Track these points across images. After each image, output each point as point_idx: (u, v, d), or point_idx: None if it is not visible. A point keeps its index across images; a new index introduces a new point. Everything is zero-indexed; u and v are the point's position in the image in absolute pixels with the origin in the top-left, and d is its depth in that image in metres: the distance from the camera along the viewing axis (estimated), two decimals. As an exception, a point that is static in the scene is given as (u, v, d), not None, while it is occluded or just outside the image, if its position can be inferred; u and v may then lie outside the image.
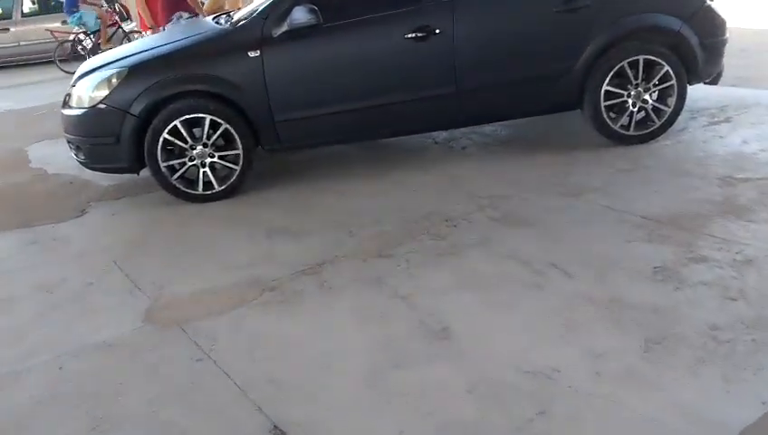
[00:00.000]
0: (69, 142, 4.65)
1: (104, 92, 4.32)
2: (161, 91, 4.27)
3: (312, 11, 4.17)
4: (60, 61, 11.58)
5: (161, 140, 4.33)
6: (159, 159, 4.37)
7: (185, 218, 4.31)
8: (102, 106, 4.32)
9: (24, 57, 12.82)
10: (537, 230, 3.62)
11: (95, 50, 11.32)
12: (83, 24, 12.11)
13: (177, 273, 3.56)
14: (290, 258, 3.58)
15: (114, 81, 4.33)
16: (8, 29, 12.61)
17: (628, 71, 4.53)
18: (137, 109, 4.27)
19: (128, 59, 4.50)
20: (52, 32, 12.27)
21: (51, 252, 4.00)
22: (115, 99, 4.31)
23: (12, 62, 12.79)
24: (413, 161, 4.92)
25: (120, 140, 4.34)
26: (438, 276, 3.23)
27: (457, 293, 3.07)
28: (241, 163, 4.48)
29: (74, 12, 11.84)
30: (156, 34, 5.97)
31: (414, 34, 4.32)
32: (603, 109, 4.59)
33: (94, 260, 3.81)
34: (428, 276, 3.24)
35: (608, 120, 4.63)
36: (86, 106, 4.39)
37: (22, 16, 12.74)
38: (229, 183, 4.51)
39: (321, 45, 4.36)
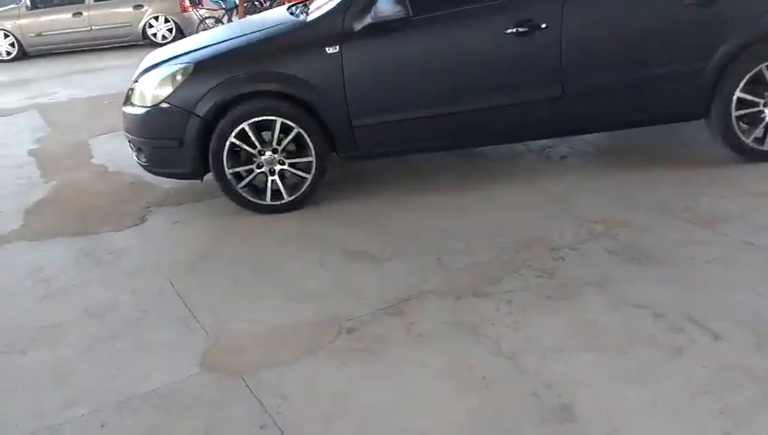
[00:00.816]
0: (130, 143, 4.27)
1: (168, 90, 3.90)
2: (229, 90, 3.82)
3: (399, 2, 3.64)
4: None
5: (228, 144, 3.89)
6: (225, 165, 3.94)
7: (250, 232, 3.87)
8: (165, 105, 3.90)
9: (96, 42, 12.73)
10: (667, 270, 3.01)
11: None
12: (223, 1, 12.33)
13: (240, 302, 3.12)
14: (369, 290, 3.09)
15: (179, 78, 3.90)
16: (81, 13, 12.53)
17: (767, 76, 3.85)
18: (202, 109, 3.83)
19: (194, 53, 4.07)
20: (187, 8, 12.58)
21: (106, 267, 3.62)
22: (179, 98, 3.88)
23: (84, 47, 12.73)
24: (504, 172, 4.35)
25: (183, 143, 3.92)
26: (549, 328, 2.67)
27: (575, 353, 2.51)
28: (313, 171, 4.00)
29: None
30: (226, 26, 5.49)
31: (516, 29, 3.74)
32: (734, 119, 3.91)
33: (150, 280, 3.40)
34: (537, 327, 2.68)
35: (739, 132, 3.95)
36: (148, 105, 3.98)
37: (94, 1, 12.63)
38: (299, 193, 4.04)
39: (408, 41, 3.82)
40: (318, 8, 4.09)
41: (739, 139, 3.95)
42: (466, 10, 3.82)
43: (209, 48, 4.08)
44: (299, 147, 4.00)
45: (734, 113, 3.89)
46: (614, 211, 3.62)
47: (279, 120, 3.87)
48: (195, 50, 4.13)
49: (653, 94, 3.91)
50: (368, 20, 3.74)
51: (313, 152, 3.96)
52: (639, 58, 3.83)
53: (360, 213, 4.00)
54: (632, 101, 3.93)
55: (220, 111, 3.85)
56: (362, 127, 3.91)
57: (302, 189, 4.04)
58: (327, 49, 3.79)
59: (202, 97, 3.83)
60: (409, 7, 3.63)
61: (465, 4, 3.83)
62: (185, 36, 12.30)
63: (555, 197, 3.89)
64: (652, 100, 3.93)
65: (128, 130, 4.22)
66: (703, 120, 4.03)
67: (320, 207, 4.10)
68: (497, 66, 3.85)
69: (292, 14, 4.37)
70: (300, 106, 3.88)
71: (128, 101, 4.21)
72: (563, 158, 4.52)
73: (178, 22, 12.57)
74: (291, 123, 3.89)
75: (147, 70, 4.14)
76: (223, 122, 3.86)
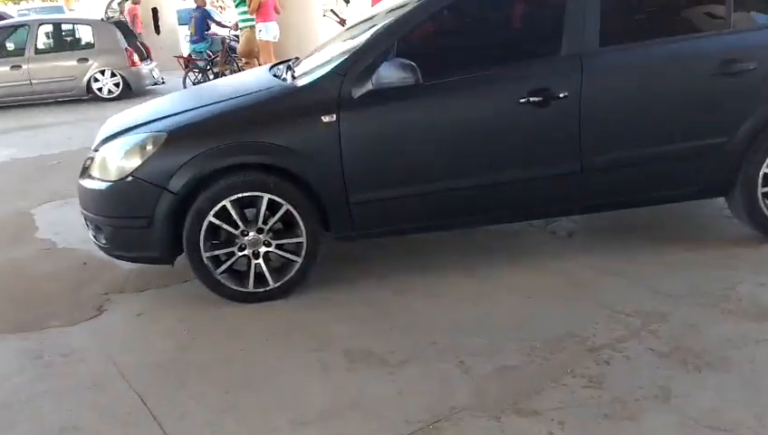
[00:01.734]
0: (87, 221, 3.69)
1: (135, 162, 3.38)
2: (210, 163, 3.33)
3: (406, 67, 3.24)
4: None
5: (206, 224, 3.38)
6: (202, 248, 3.41)
7: (232, 327, 3.33)
8: (132, 180, 3.37)
9: (37, 96, 11.99)
10: (730, 378, 2.62)
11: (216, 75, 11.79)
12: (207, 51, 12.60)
13: (231, 424, 2.57)
14: (387, 408, 2.59)
15: (149, 148, 3.39)
16: (20, 66, 11.81)
17: (796, 151, 3.60)
18: (177, 184, 3.32)
19: (166, 120, 3.57)
20: (178, 58, 12.77)
21: (58, 375, 3.00)
22: (149, 171, 3.36)
23: (24, 101, 11.97)
24: (509, 251, 3.95)
25: (152, 222, 3.38)
26: (619, 459, 2.23)
27: (662, 496, 2.07)
28: (303, 254, 3.51)
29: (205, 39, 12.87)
30: (198, 89, 4.96)
31: (531, 98, 3.40)
32: (760, 196, 3.63)
33: (116, 393, 2.81)
34: (604, 458, 2.24)
35: (766, 210, 3.67)
36: (112, 178, 3.44)
37: (35, 53, 11.94)
38: (287, 278, 3.53)
39: (413, 109, 3.42)
40: (308, 71, 3.68)
41: (766, 217, 3.67)
42: (478, 77, 3.46)
43: (184, 115, 3.58)
44: (287, 226, 3.52)
45: (761, 190, 3.62)
46: (645, 301, 3.24)
47: (266, 197, 3.39)
48: (166, 116, 3.63)
49: (675, 170, 3.60)
50: (368, 86, 3.33)
51: (304, 232, 3.48)
52: (663, 131, 3.53)
53: (357, 300, 3.51)
54: (653, 177, 3.60)
55: (197, 186, 3.36)
56: (361, 203, 3.46)
57: (291, 274, 3.54)
58: (323, 117, 3.35)
59: (177, 170, 3.32)
60: (419, 74, 3.23)
61: (476, 70, 3.48)
62: (132, 91, 11.80)
63: (575, 281, 3.50)
64: (673, 175, 3.62)
65: (85, 207, 3.65)
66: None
67: (310, 294, 3.59)
68: (511, 138, 3.48)
69: (276, 75, 3.94)
70: (290, 180, 3.41)
71: (85, 173, 3.64)
72: (571, 235, 4.16)
73: (126, 76, 11.96)
74: (279, 200, 3.40)
75: (109, 138, 3.61)
76: (201, 199, 3.35)
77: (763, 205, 3.65)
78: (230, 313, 3.46)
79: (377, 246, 4.08)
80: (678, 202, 3.87)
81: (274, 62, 5.08)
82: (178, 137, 3.40)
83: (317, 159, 3.38)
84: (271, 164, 3.38)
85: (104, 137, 3.66)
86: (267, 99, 3.50)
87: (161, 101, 4.51)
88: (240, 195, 3.38)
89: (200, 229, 3.39)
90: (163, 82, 12.87)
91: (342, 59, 3.50)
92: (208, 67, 12.14)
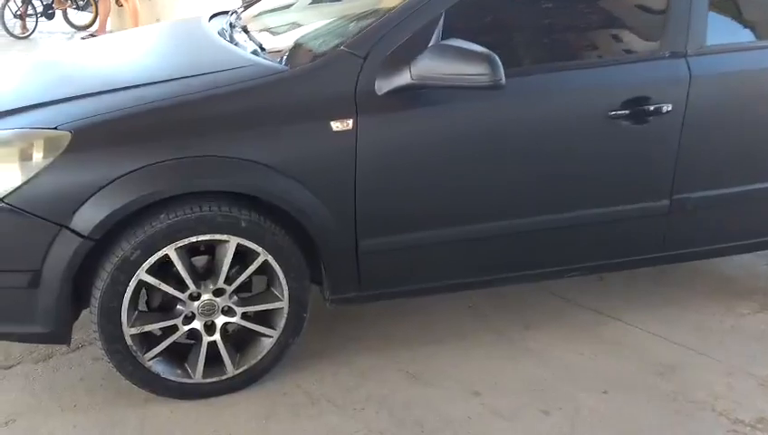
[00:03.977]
0: None
1: (11, 180, 1.99)
2: (147, 186, 2.01)
3: (481, 58, 2.05)
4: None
5: (133, 284, 2.08)
6: (125, 321, 2.11)
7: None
8: (4, 209, 1.99)
9: None
10: None
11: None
12: None
13: None
14: None
15: (36, 154, 2.00)
16: None
17: None
18: (88, 221, 1.98)
19: (58, 107, 2.15)
20: None
21: None
22: (37, 195, 1.98)
23: None
24: (543, 313, 2.94)
25: (40, 280, 2.02)
26: None
27: None
28: (283, 325, 2.31)
29: None
30: (89, 50, 3.26)
31: (625, 111, 2.39)
32: None
33: None
34: None
35: None
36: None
37: None
38: (256, 361, 2.32)
39: (460, 119, 2.29)
40: (303, 42, 2.43)
41: None
42: (558, 78, 2.38)
43: (92, 100, 2.18)
44: (266, 285, 2.31)
45: None
46: (752, 396, 2.40)
47: (233, 242, 2.15)
48: (57, 100, 2.21)
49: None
50: (403, 78, 2.15)
51: (286, 294, 2.27)
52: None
53: (349, 388, 2.38)
54: (759, 220, 2.75)
55: (124, 223, 2.04)
56: (375, 253, 2.30)
57: (261, 355, 2.32)
58: (332, 124, 2.14)
59: (89, 197, 1.98)
60: (502, 72, 2.08)
61: (554, 69, 2.39)
62: None
63: (661, 369, 2.56)
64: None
65: None
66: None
67: (283, 381, 2.40)
68: (591, 164, 2.45)
69: (231, 41, 2.61)
70: (271, 217, 2.19)
71: None
72: (601, 279, 3.23)
73: None
74: (253, 246, 2.17)
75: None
76: (127, 245, 2.04)
77: None
78: (156, 416, 2.20)
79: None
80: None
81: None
82: (92, 139, 2.03)
83: (317, 187, 2.16)
84: (243, 192, 2.13)
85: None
86: (240, 87, 2.17)
87: (22, 66, 2.97)
88: (193, 238, 2.10)
89: (124, 293, 2.08)
90: None
91: (357, 28, 2.28)
92: None
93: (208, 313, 2.22)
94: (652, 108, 2.40)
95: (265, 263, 2.21)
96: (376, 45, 2.18)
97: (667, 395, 2.40)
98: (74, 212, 1.98)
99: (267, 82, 2.17)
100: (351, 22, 2.43)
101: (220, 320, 2.25)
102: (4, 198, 1.97)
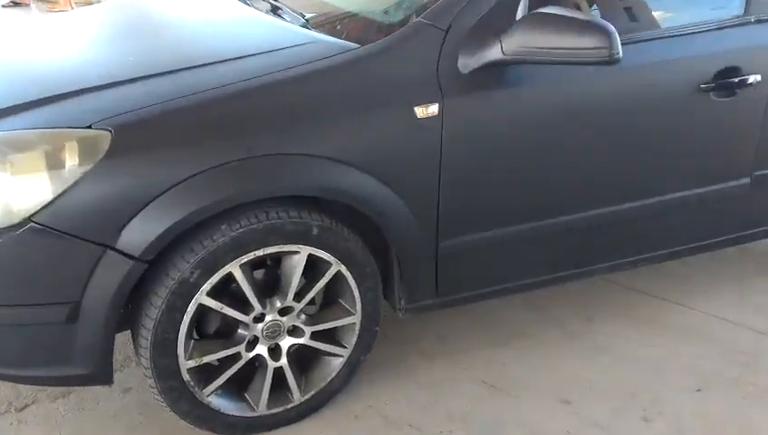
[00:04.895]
0: None
1: (43, 193, 1.59)
2: (213, 193, 1.66)
3: (593, 29, 1.76)
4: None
5: (192, 309, 1.74)
6: (182, 353, 1.78)
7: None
8: (35, 230, 1.59)
9: None
10: None
11: None
12: None
13: None
14: None
15: (69, 160, 1.60)
16: None
17: None
18: (139, 239, 1.62)
19: (87, 97, 1.75)
20: None
21: None
22: (74, 211, 1.59)
23: None
24: (595, 300, 2.75)
25: (79, 312, 1.66)
26: None
27: None
28: (354, 342, 2.02)
29: None
30: (91, 23, 2.61)
31: (714, 83, 2.17)
32: None
33: None
34: None
35: None
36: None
37: None
38: (322, 386, 2.03)
39: (553, 98, 2.01)
40: (369, 15, 2.09)
41: None
42: (648, 48, 2.13)
43: (123, 89, 1.78)
44: (325, 301, 2.00)
45: None
46: None
47: (304, 252, 1.83)
48: (88, 88, 1.77)
49: None
50: (494, 54, 1.85)
51: (359, 307, 1.97)
52: None
53: (425, 405, 2.11)
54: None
55: (178, 240, 1.69)
56: (455, 254, 2.02)
57: (329, 378, 2.03)
58: (416, 109, 1.83)
59: (140, 210, 1.62)
60: (620, 45, 1.80)
61: (645, 37, 2.13)
62: None
63: (743, 358, 2.39)
64: None
65: None
66: None
67: (351, 401, 2.11)
68: (680, 141, 2.22)
69: (272, 10, 2.23)
70: (343, 221, 1.88)
71: None
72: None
73: None
74: (326, 256, 1.86)
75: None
76: (185, 263, 1.68)
77: None
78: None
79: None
80: None
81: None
82: (138, 139, 1.64)
83: (398, 184, 1.85)
84: (326, 197, 1.81)
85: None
86: (308, 70, 1.80)
87: (12, 43, 2.49)
88: (260, 252, 1.77)
89: (181, 320, 1.74)
90: None
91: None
92: None
93: (273, 335, 1.91)
94: (740, 79, 2.20)
95: (337, 278, 1.91)
96: (459, 15, 1.87)
97: (764, 390, 2.25)
98: (122, 228, 1.62)
99: (340, 62, 1.82)
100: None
101: (286, 342, 1.94)
102: (32, 216, 1.58)
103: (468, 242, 2.03)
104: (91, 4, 6.14)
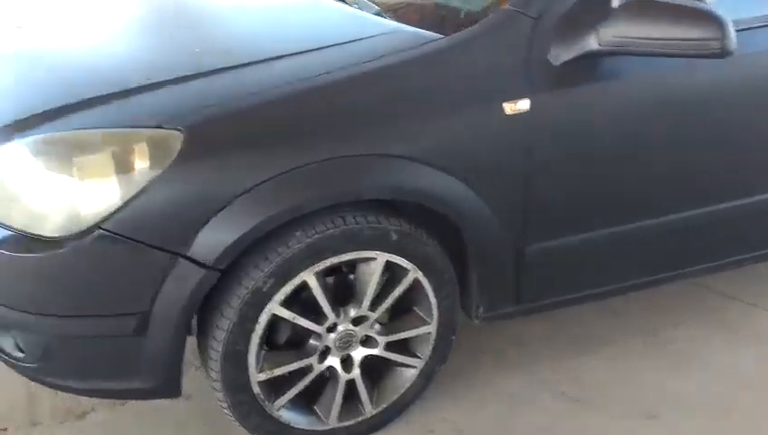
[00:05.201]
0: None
1: (110, 199, 1.49)
2: (290, 198, 1.55)
3: (702, 18, 1.60)
4: None
5: (264, 319, 1.63)
6: (254, 364, 1.67)
7: None
8: (103, 237, 1.49)
9: None
10: None
11: None
12: None
13: None
14: None
15: (140, 163, 1.50)
16: None
17: None
18: (213, 246, 1.52)
19: (150, 94, 1.64)
20: None
21: None
22: (144, 217, 1.49)
23: None
24: (677, 304, 2.58)
25: (149, 323, 1.56)
26: None
27: None
28: (429, 353, 1.90)
29: None
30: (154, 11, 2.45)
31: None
32: None
33: None
34: None
35: None
36: (46, 234, 1.52)
37: None
38: (395, 398, 1.92)
39: (660, 88, 1.85)
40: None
41: None
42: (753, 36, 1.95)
43: (192, 84, 1.67)
44: (396, 310, 1.87)
45: None
46: None
47: (381, 258, 1.70)
48: (153, 85, 1.65)
49: None
50: (589, 44, 1.69)
51: (436, 316, 1.85)
52: None
53: (504, 418, 1.98)
54: None
55: (253, 247, 1.58)
56: (540, 259, 1.88)
57: (403, 389, 1.92)
58: (504, 106, 1.69)
59: (214, 215, 1.51)
60: (734, 36, 1.63)
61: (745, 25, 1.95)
62: None
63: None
64: None
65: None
66: None
67: (424, 413, 2.00)
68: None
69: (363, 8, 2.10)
70: (421, 225, 1.75)
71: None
72: None
73: None
74: (403, 262, 1.73)
75: (23, 129, 1.63)
76: (258, 272, 1.58)
77: None
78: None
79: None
80: None
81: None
82: (212, 139, 1.53)
83: (482, 185, 1.72)
84: (409, 200, 1.68)
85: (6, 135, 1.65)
86: (393, 63, 1.66)
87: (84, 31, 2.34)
88: (335, 259, 1.65)
89: (252, 331, 1.64)
90: None
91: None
92: None
93: (345, 345, 1.80)
94: None
95: (415, 285, 1.79)
96: (551, 1, 1.72)
97: None
98: (194, 236, 1.51)
99: (423, 54, 1.69)
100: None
101: (359, 353, 1.83)
102: (100, 223, 1.49)
103: (558, 246, 1.89)
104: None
